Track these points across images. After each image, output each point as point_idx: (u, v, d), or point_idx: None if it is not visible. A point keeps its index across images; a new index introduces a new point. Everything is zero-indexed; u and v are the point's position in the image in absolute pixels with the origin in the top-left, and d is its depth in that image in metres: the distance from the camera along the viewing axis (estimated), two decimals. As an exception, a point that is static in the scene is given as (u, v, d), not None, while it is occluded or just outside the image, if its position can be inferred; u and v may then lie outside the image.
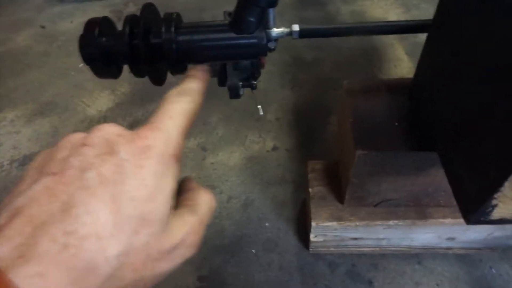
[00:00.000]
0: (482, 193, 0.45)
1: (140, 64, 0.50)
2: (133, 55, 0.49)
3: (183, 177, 0.30)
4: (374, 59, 1.33)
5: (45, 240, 0.18)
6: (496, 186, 0.42)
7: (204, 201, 0.28)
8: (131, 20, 0.51)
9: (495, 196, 0.44)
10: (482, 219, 0.47)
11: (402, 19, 1.51)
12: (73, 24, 1.65)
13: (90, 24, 0.51)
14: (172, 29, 0.48)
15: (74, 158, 0.21)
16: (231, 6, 0.50)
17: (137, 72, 0.51)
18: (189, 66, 0.52)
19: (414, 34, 1.41)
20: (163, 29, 0.48)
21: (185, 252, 0.25)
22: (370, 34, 0.67)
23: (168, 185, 0.23)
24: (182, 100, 0.29)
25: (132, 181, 0.21)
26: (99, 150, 0.22)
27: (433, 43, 0.58)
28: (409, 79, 0.69)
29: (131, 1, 1.74)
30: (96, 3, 1.79)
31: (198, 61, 0.55)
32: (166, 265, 0.23)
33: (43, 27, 1.66)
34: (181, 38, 0.49)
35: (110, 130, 0.23)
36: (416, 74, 0.65)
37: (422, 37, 0.65)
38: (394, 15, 1.52)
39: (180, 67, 0.53)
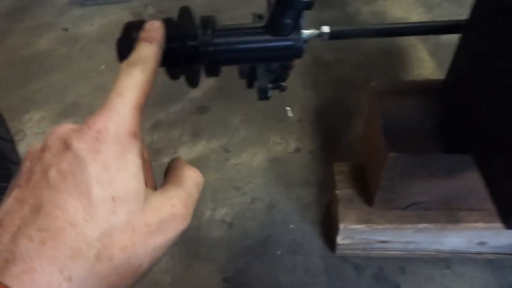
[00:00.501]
0: (524, 197, 0.44)
1: (176, 66, 0.51)
2: (169, 58, 0.50)
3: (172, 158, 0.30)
4: (396, 59, 1.32)
5: (23, 242, 0.19)
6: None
7: (189, 176, 0.28)
8: (167, 23, 0.52)
9: (539, 200, 0.43)
10: (523, 224, 0.46)
11: (424, 19, 1.49)
12: (94, 26, 1.68)
13: (128, 27, 0.52)
14: (209, 31, 0.48)
15: (35, 165, 0.23)
16: (249, 7, 0.49)
17: (172, 74, 0.52)
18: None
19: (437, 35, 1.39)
20: (200, 32, 0.49)
21: (177, 225, 0.25)
22: (401, 35, 0.66)
23: (131, 163, 0.23)
24: (132, 72, 0.26)
25: (92, 168, 0.22)
26: (55, 150, 0.23)
27: (468, 44, 0.57)
28: (439, 81, 0.68)
29: (150, 3, 1.76)
30: (116, 6, 1.81)
31: (233, 63, 0.55)
32: (158, 239, 0.23)
33: (65, 29, 1.69)
34: (217, 40, 0.49)
35: (61, 129, 0.24)
36: (448, 76, 0.64)
37: (445, 37, 0.64)
38: (416, 15, 1.50)
39: (215, 70, 0.54)
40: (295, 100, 1.19)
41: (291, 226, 0.91)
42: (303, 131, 1.11)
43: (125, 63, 0.28)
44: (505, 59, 0.47)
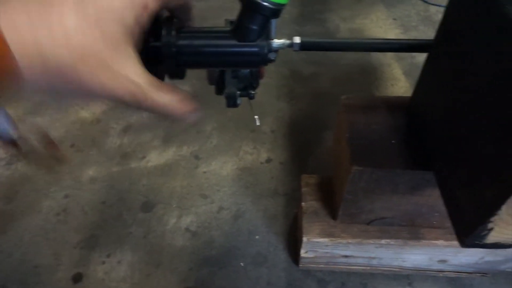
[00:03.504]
0: (478, 216, 0.44)
1: (138, 66, 0.49)
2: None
3: None
4: (371, 77, 1.34)
5: None
6: (493, 209, 0.42)
7: None
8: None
9: (492, 219, 0.43)
10: (476, 242, 0.47)
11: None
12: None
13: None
14: (173, 32, 0.47)
15: None
16: (233, 15, 0.49)
17: (134, 74, 0.50)
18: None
19: (412, 55, 1.43)
20: (163, 32, 0.47)
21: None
22: (372, 51, 0.67)
23: None
24: None
25: None
26: None
27: (433, 63, 0.58)
28: (407, 98, 0.69)
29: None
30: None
31: (197, 66, 0.54)
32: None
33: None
34: (181, 42, 0.48)
35: None
36: (414, 93, 0.65)
37: (420, 58, 0.65)
38: (393, 35, 1.54)
39: (178, 72, 0.52)
40: (269, 110, 1.19)
41: (257, 237, 0.89)
42: (275, 142, 1.10)
43: None
44: (466, 79, 0.48)
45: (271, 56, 0.57)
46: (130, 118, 1.18)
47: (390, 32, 1.56)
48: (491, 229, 0.44)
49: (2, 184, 1.02)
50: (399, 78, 1.33)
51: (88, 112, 1.21)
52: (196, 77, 1.26)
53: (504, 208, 0.40)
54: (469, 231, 0.45)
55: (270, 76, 1.32)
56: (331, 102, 1.23)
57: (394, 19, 1.63)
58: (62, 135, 1.14)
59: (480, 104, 0.44)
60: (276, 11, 0.48)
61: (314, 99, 1.25)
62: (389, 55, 1.42)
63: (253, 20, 0.47)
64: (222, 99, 0.62)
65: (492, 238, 0.46)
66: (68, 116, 1.20)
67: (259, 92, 0.68)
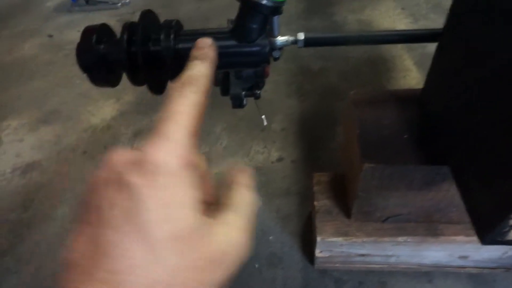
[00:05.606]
0: (499, 212, 0.42)
1: (139, 72, 0.49)
2: (131, 63, 0.48)
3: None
4: (381, 69, 1.31)
5: (89, 284, 0.19)
6: (514, 204, 0.40)
7: (245, 200, 0.27)
8: (129, 27, 0.50)
9: (513, 215, 0.41)
10: (498, 239, 0.44)
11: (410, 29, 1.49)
12: (80, 33, 1.66)
13: (88, 32, 0.50)
14: (171, 36, 0.47)
15: (96, 201, 0.22)
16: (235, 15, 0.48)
17: (135, 80, 0.49)
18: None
19: (423, 45, 1.39)
20: (162, 37, 0.47)
21: (239, 256, 0.24)
22: (377, 43, 0.65)
23: (189, 197, 0.22)
24: (185, 94, 0.25)
25: (149, 205, 0.21)
26: (112, 186, 0.22)
27: (444, 53, 0.56)
28: (418, 90, 0.66)
29: (138, 10, 1.75)
30: (103, 13, 1.80)
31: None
32: (221, 273, 0.23)
33: (50, 36, 1.67)
34: (180, 45, 0.47)
35: (117, 160, 0.23)
36: (426, 85, 0.63)
37: (431, 48, 0.62)
38: (402, 25, 1.50)
39: (179, 76, 0.51)
40: (279, 109, 1.18)
41: (270, 238, 0.88)
42: (286, 140, 1.09)
43: (177, 83, 0.26)
44: (479, 67, 0.46)
45: (276, 54, 0.56)
46: (140, 123, 1.19)
47: (399, 22, 1.52)
48: (513, 225, 0.42)
49: (18, 193, 1.03)
50: (411, 69, 1.29)
51: (98, 118, 1.22)
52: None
53: (526, 203, 0.38)
54: (490, 228, 0.43)
55: (279, 73, 1.30)
56: (340, 97, 1.21)
57: (403, 8, 1.59)
58: (74, 142, 1.15)
59: (496, 93, 0.42)
60: (275, 9, 0.46)
61: (324, 95, 1.23)
62: (399, 46, 1.39)
63: (252, 19, 0.46)
64: (229, 100, 0.61)
65: (514, 234, 0.43)
66: (80, 123, 1.21)
67: (269, 90, 0.67)
